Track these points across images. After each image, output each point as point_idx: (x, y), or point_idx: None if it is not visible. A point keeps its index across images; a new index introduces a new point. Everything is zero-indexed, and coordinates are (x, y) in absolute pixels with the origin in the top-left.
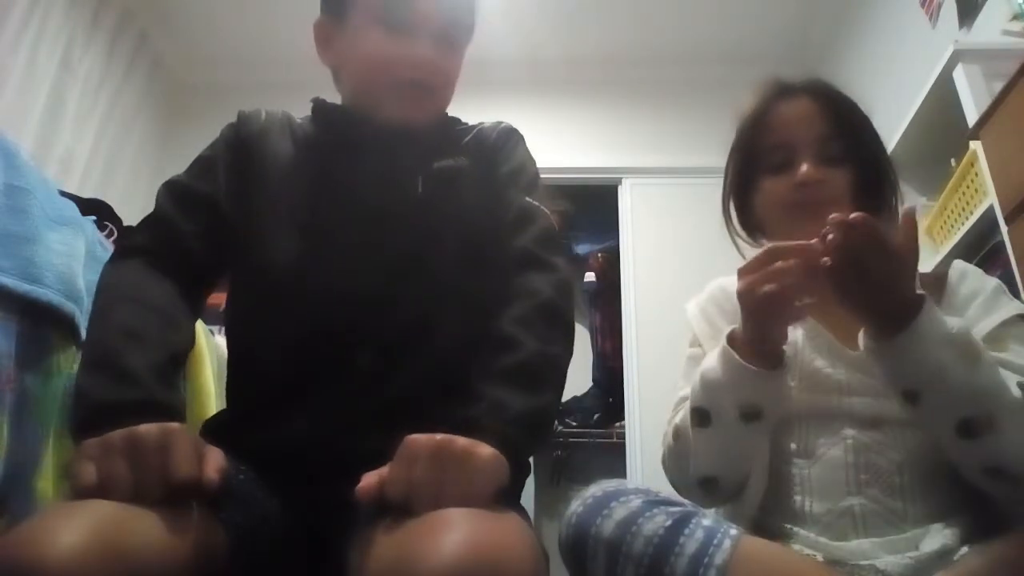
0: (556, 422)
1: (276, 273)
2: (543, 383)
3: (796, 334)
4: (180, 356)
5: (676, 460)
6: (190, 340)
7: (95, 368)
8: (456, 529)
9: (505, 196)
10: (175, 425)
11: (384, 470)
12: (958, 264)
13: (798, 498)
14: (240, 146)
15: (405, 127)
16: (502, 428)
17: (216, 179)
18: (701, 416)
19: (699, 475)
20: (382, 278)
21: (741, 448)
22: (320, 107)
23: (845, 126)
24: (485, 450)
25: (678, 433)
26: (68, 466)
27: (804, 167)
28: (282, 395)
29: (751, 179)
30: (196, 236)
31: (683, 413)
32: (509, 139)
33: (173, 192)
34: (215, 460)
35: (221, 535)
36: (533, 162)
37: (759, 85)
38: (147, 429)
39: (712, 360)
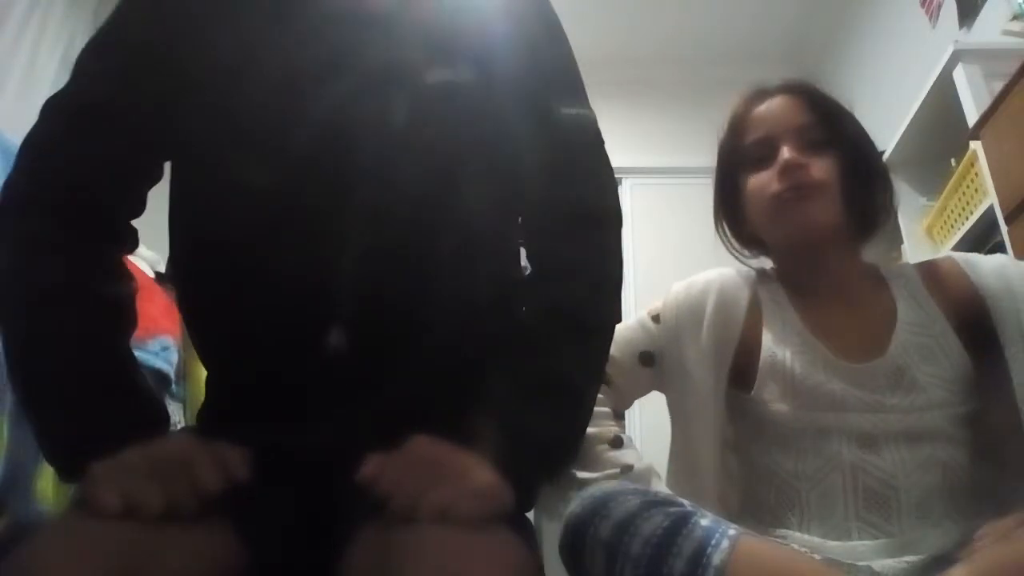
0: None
1: (222, 233)
2: (575, 402)
3: (786, 352)
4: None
5: None
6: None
7: (55, 398)
8: (428, 555)
9: (535, 117)
10: (190, 436)
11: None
12: (962, 256)
13: (795, 520)
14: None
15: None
16: (516, 462)
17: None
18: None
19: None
20: (355, 259)
21: None
22: None
23: (825, 115)
24: (486, 476)
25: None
26: (81, 493)
27: (785, 151)
28: (268, 395)
29: (736, 182)
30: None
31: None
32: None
33: (75, 113)
34: (237, 457)
35: (242, 552)
36: (569, 48)
37: (738, 93)
38: (163, 443)
39: None
